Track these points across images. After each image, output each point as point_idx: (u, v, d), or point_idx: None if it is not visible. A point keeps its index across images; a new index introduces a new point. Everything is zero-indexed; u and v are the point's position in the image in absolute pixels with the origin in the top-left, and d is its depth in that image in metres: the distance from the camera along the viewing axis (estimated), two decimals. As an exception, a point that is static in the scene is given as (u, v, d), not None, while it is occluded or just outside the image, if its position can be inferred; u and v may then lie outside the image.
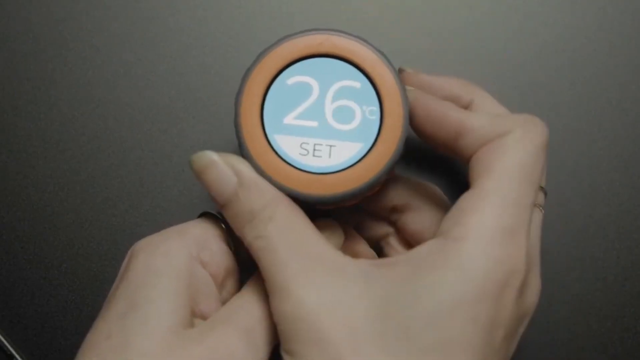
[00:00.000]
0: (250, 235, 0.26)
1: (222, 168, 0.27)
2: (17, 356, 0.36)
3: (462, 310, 0.24)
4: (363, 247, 0.32)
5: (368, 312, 0.24)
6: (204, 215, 0.30)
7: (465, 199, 0.26)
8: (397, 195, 0.31)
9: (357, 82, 0.28)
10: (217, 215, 0.29)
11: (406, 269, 0.25)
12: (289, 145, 0.28)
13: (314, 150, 0.28)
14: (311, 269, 0.25)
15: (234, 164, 0.27)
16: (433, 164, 0.36)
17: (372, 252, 0.32)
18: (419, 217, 0.31)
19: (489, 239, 0.25)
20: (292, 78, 0.28)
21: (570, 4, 0.36)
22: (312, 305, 0.24)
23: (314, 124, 0.28)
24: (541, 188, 0.30)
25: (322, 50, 0.28)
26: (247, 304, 0.27)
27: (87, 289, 0.36)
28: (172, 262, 0.27)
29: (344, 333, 0.24)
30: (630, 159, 0.36)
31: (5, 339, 0.36)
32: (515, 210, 0.25)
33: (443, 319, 0.24)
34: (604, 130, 0.36)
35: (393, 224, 0.32)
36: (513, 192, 0.25)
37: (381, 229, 0.32)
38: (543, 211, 0.30)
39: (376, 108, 0.28)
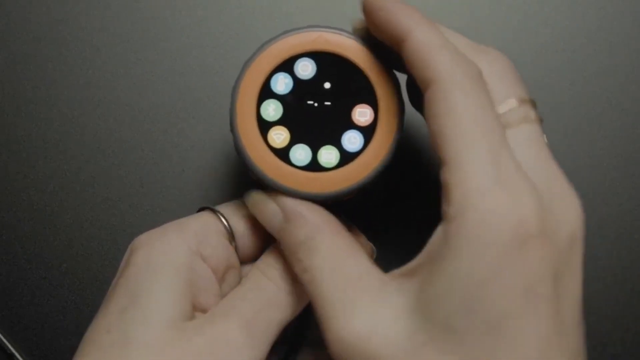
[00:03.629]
0: (298, 268, 0.26)
1: (267, 204, 0.28)
2: (17, 356, 0.36)
3: (490, 287, 0.22)
4: (362, 240, 0.32)
5: (411, 325, 0.23)
6: (204, 209, 0.30)
7: (447, 174, 0.24)
8: None
9: (352, 78, 0.28)
10: (217, 210, 0.30)
11: (424, 271, 0.24)
12: None
13: None
14: (354, 297, 0.25)
15: (278, 197, 0.28)
16: (431, 159, 0.36)
17: (370, 245, 0.32)
18: None
19: (478, 207, 0.22)
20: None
21: (570, 4, 0.36)
22: (359, 333, 0.24)
23: None
24: (527, 100, 0.26)
25: (316, 47, 0.28)
26: (247, 296, 0.27)
27: (87, 289, 0.36)
28: (172, 256, 0.27)
29: (396, 351, 0.23)
30: (630, 159, 0.36)
31: (6, 339, 0.36)
32: (493, 160, 0.23)
33: (478, 303, 0.22)
34: (604, 130, 0.36)
35: None
36: (484, 150, 0.23)
37: None
38: (541, 119, 0.26)
39: (372, 104, 0.28)
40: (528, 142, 0.25)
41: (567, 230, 0.24)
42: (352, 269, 0.26)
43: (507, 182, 0.23)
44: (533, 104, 0.26)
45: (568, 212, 0.24)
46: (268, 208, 0.28)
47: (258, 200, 0.28)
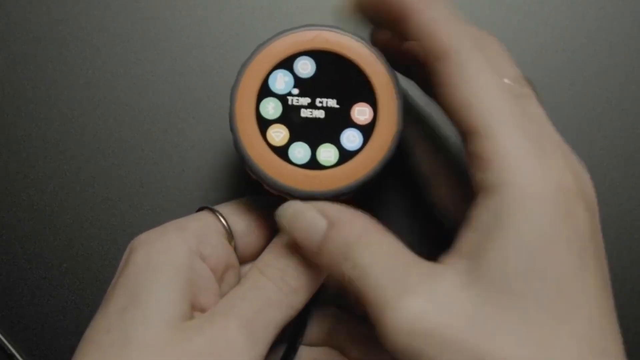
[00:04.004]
0: (344, 267, 0.25)
1: (308, 212, 0.27)
2: (17, 356, 0.36)
3: (549, 250, 0.23)
4: None
5: (468, 296, 0.23)
6: (203, 209, 0.30)
7: (480, 143, 0.24)
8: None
9: (351, 77, 0.28)
10: (216, 209, 0.30)
11: (475, 245, 0.24)
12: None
13: None
14: (403, 282, 0.24)
15: (318, 204, 0.27)
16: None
17: None
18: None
19: (522, 174, 0.23)
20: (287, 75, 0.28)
21: (570, 4, 0.36)
22: (414, 313, 0.23)
23: None
24: (522, 77, 0.26)
25: (315, 46, 0.28)
26: (246, 295, 0.27)
27: (87, 289, 0.36)
28: (171, 256, 0.27)
29: (455, 322, 0.23)
30: (630, 159, 0.36)
31: (6, 339, 0.36)
32: (521, 126, 0.24)
33: (540, 267, 0.22)
34: (604, 130, 0.36)
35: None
36: (505, 123, 0.24)
37: None
38: (538, 93, 0.26)
39: (370, 102, 0.28)
40: (533, 116, 0.25)
41: (592, 191, 0.25)
42: (401, 260, 0.25)
43: (539, 147, 0.23)
44: (529, 81, 0.26)
45: (586, 175, 0.25)
46: (309, 217, 0.27)
47: (297, 211, 0.27)
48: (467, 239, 0.24)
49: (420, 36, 0.25)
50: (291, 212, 0.28)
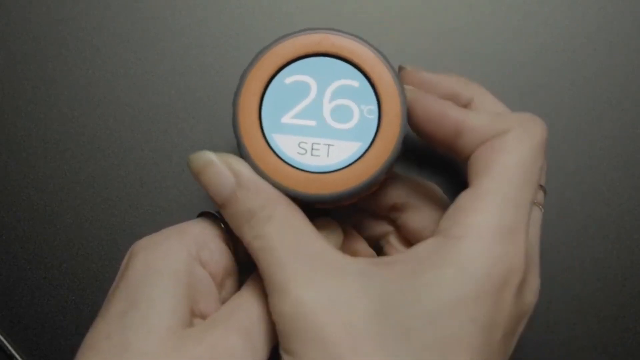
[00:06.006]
0: (249, 235, 0.26)
1: (220, 168, 0.27)
2: (17, 356, 0.36)
3: (462, 309, 0.24)
4: (362, 245, 0.32)
5: (367, 310, 0.24)
6: (203, 214, 0.30)
7: (464, 197, 0.26)
8: (396, 194, 0.32)
9: (355, 81, 0.28)
10: (216, 214, 0.30)
11: (404, 267, 0.25)
12: (287, 145, 0.28)
13: (312, 149, 0.28)
14: (309, 268, 0.25)
15: (232, 163, 0.27)
16: (433, 163, 0.36)
17: (371, 251, 0.32)
18: (418, 216, 0.31)
19: (488, 238, 0.25)
20: (290, 77, 0.28)
21: (570, 4, 0.36)
22: (311, 304, 0.24)
23: (312, 123, 0.28)
24: (541, 187, 0.30)
25: (320, 49, 0.28)
26: (246, 303, 0.27)
27: (87, 289, 0.36)
28: (171, 261, 0.27)
29: (342, 332, 0.24)
30: (630, 159, 0.36)
31: (5, 339, 0.36)
32: (515, 209, 0.25)
33: (442, 317, 0.24)
34: (604, 130, 0.36)
35: (393, 222, 0.32)
36: (512, 191, 0.26)
37: (381, 227, 0.32)
38: (543, 210, 0.30)
39: (374, 107, 0.28)
40: (532, 224, 0.28)
41: (529, 302, 0.27)
42: (311, 244, 0.26)
43: (515, 236, 0.25)
44: (543, 189, 0.30)
45: (533, 288, 0.28)
46: (221, 172, 0.27)
47: (207, 163, 0.27)
48: (401, 258, 0.26)
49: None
50: (203, 161, 0.27)
